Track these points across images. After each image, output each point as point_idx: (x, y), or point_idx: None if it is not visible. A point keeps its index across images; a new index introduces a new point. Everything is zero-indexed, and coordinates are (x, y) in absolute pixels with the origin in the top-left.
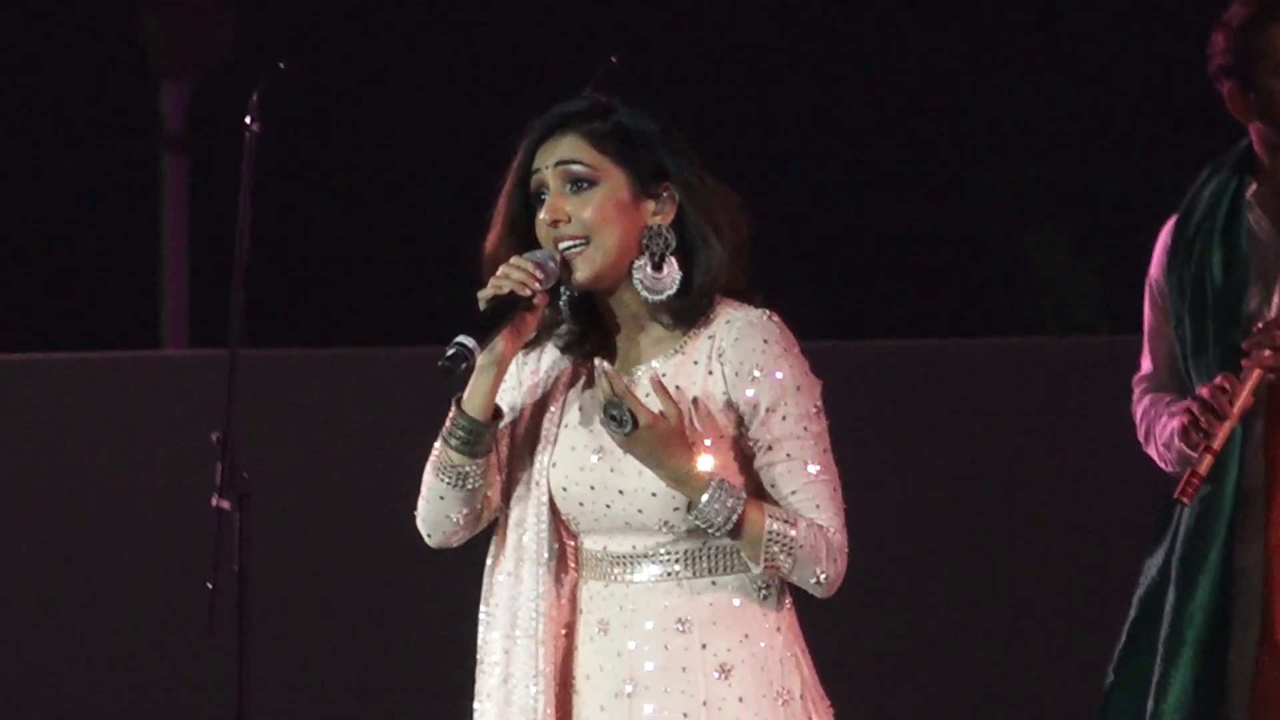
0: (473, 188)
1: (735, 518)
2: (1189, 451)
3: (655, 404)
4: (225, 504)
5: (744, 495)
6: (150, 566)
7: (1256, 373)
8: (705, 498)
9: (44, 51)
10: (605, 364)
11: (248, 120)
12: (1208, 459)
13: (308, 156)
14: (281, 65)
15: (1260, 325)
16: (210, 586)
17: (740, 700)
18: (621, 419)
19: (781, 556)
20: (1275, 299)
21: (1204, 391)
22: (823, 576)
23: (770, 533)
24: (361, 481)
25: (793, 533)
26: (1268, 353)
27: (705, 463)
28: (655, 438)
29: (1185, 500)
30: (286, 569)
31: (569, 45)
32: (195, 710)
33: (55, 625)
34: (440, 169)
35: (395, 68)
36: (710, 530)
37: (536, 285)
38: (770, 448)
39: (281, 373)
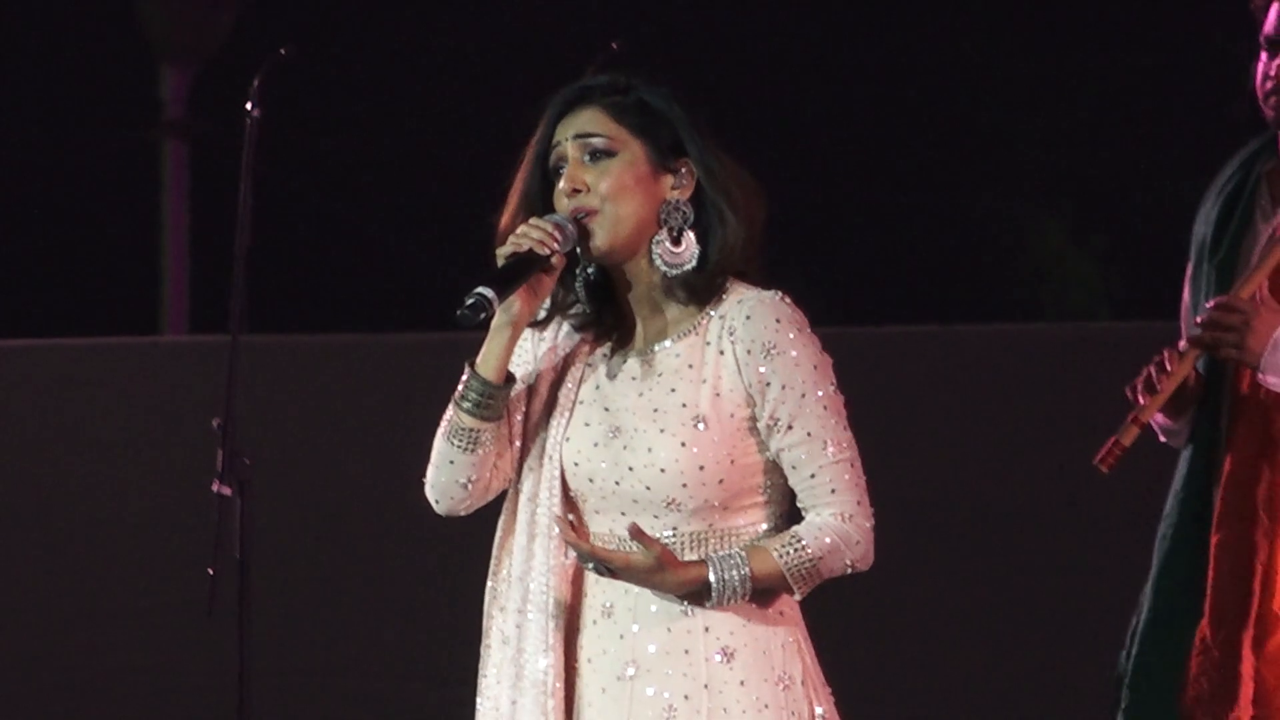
0: (475, 172)
1: (748, 581)
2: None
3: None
4: (226, 490)
5: (743, 555)
6: (151, 552)
7: (1194, 351)
8: (713, 580)
9: (44, 36)
10: (564, 523)
11: (248, 106)
12: (1133, 430)
13: (309, 142)
14: (282, 50)
15: (1210, 304)
16: (211, 573)
17: (741, 684)
18: (598, 569)
19: (810, 575)
20: (1247, 287)
21: (1150, 367)
22: (853, 563)
23: (788, 569)
24: (362, 467)
25: (806, 553)
26: (1207, 333)
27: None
28: (635, 575)
29: (1103, 468)
30: (287, 555)
31: (571, 31)
32: (196, 696)
33: (56, 611)
34: (442, 154)
35: (397, 53)
36: (741, 600)
37: (555, 245)
38: (790, 427)
39: (282, 359)
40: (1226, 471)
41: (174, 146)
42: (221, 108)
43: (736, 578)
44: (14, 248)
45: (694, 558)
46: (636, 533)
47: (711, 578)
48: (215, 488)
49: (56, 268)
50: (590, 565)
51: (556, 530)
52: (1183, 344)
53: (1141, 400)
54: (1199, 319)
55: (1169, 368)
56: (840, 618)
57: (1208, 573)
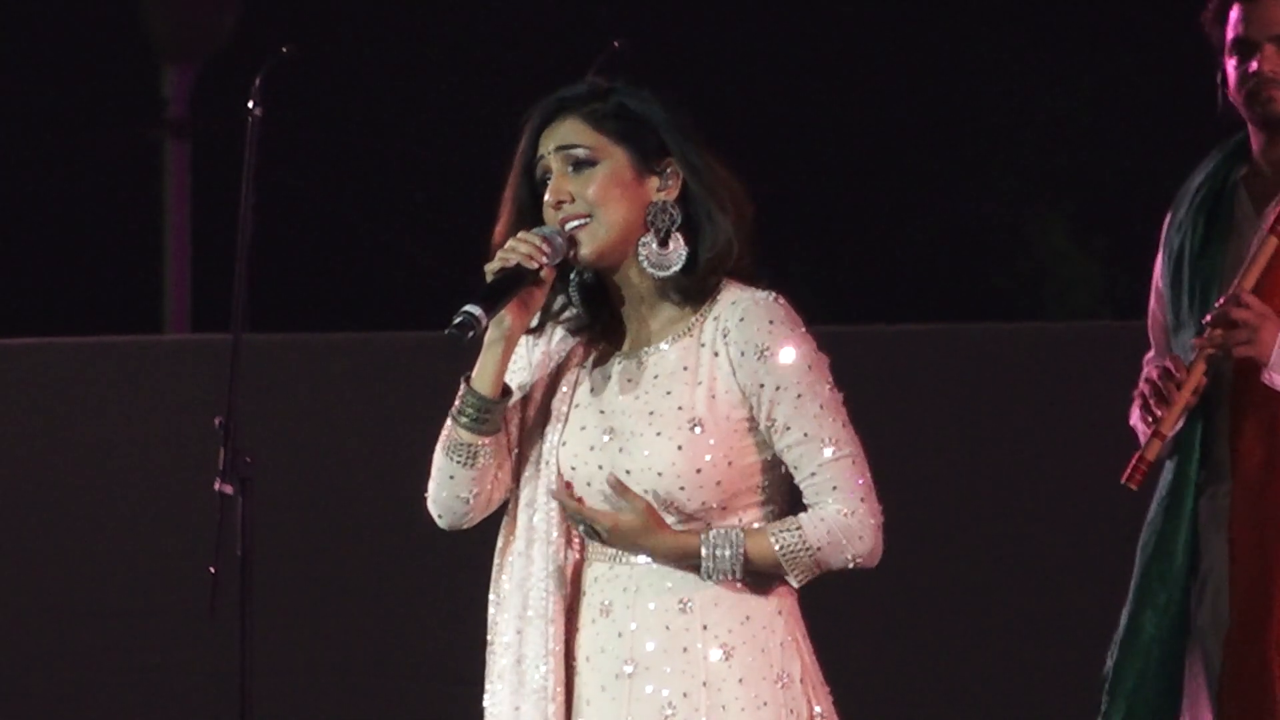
0: (475, 172)
1: (740, 560)
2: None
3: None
4: (228, 488)
5: (740, 534)
6: (153, 551)
7: (1206, 353)
8: (704, 553)
9: (47, 36)
10: (561, 488)
11: (250, 104)
12: (1155, 444)
13: (311, 140)
14: (284, 49)
15: (1218, 303)
16: (213, 571)
17: (740, 681)
18: (591, 535)
19: (808, 563)
20: (1248, 281)
21: (1154, 374)
22: (855, 558)
23: (784, 554)
24: (364, 466)
25: (803, 540)
26: (1218, 331)
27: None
28: (625, 535)
29: (1131, 485)
30: (289, 554)
31: (573, 29)
32: (197, 695)
33: (57, 610)
34: (443, 153)
35: (398, 52)
36: (730, 578)
37: (543, 259)
38: (788, 428)
39: (284, 357)
40: (1237, 471)
41: (176, 145)
42: (224, 107)
43: (728, 555)
44: (16, 246)
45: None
46: (617, 485)
47: (703, 551)
48: (217, 486)
49: (58, 266)
50: (581, 528)
51: (555, 535)
52: (1197, 342)
53: (1158, 412)
54: (1205, 321)
55: (1177, 375)
56: (840, 617)
57: (1191, 578)
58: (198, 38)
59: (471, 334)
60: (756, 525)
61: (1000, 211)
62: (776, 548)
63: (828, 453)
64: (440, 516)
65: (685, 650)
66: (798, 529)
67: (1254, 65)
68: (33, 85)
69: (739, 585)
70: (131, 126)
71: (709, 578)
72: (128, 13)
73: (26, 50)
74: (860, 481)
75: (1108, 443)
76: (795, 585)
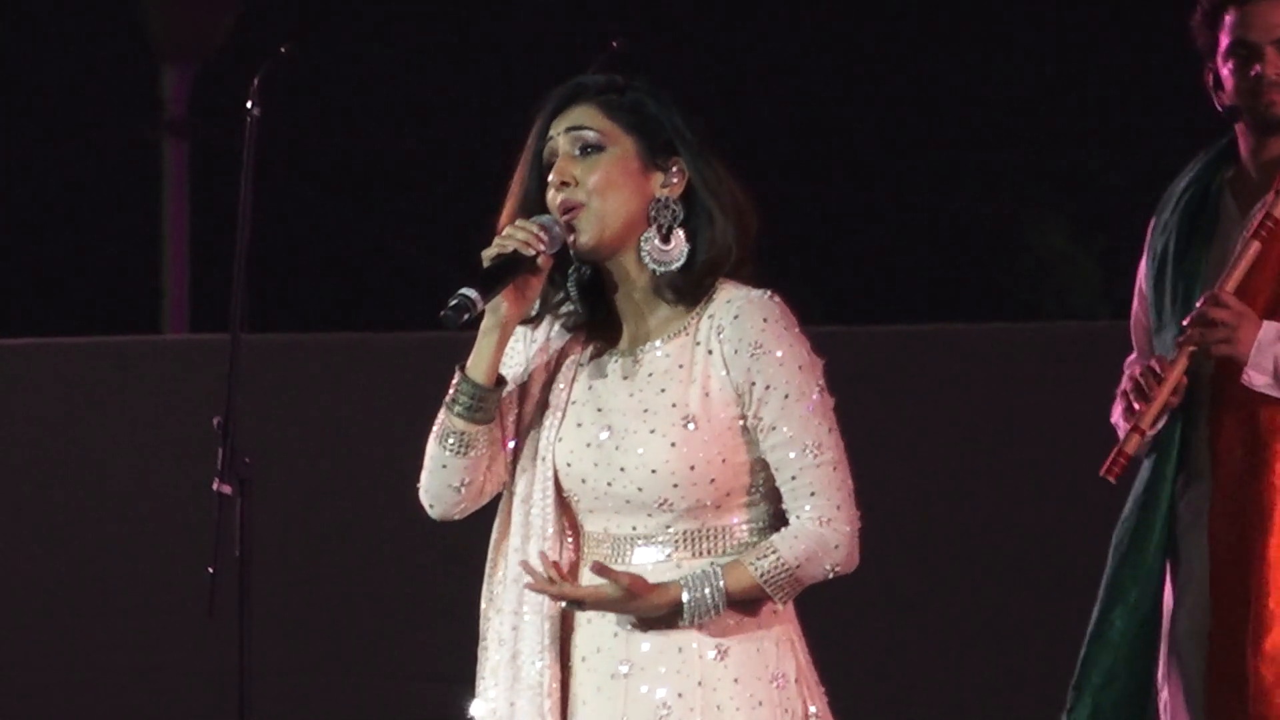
0: (474, 171)
1: (722, 595)
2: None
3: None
4: (226, 489)
5: (717, 570)
6: (151, 551)
7: (1187, 351)
8: (685, 599)
9: (46, 36)
10: (531, 570)
11: (249, 105)
12: (1135, 439)
13: (310, 140)
14: (283, 49)
15: (1199, 303)
16: (211, 571)
17: (735, 681)
18: (574, 607)
19: (788, 584)
20: (1229, 282)
21: (1137, 372)
22: (833, 567)
23: (764, 579)
24: (363, 466)
25: (780, 563)
26: (1197, 330)
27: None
28: (608, 606)
29: (1110, 478)
30: (288, 554)
31: (572, 30)
32: (196, 695)
33: (56, 610)
34: (442, 153)
35: (397, 52)
36: (715, 616)
37: (541, 246)
38: (773, 428)
39: (283, 357)
40: (1216, 471)
41: (175, 145)
42: (222, 107)
43: (709, 594)
44: (15, 246)
45: (687, 554)
46: (600, 569)
47: (684, 596)
48: (216, 486)
49: (58, 266)
50: (564, 603)
51: (551, 531)
52: (1178, 340)
53: (1137, 407)
54: (1185, 322)
55: (1160, 371)
56: (835, 617)
57: (1164, 577)
58: (197, 38)
59: (467, 316)
60: (739, 547)
61: (999, 211)
62: (756, 575)
63: (810, 457)
64: (431, 506)
65: (680, 650)
66: (774, 553)
67: (1257, 69)
68: (32, 85)
69: None
70: (130, 126)
71: (693, 620)
72: (127, 13)
73: (26, 50)
74: (839, 489)
75: (1106, 442)
76: (779, 607)
